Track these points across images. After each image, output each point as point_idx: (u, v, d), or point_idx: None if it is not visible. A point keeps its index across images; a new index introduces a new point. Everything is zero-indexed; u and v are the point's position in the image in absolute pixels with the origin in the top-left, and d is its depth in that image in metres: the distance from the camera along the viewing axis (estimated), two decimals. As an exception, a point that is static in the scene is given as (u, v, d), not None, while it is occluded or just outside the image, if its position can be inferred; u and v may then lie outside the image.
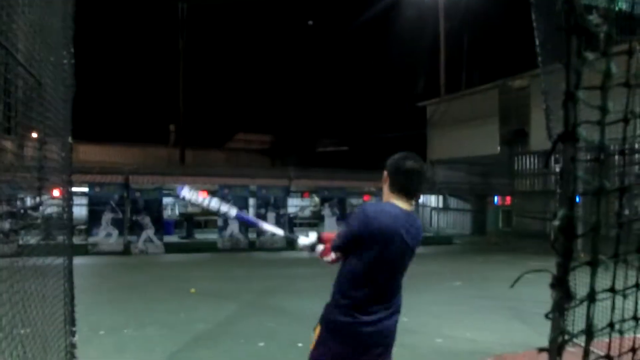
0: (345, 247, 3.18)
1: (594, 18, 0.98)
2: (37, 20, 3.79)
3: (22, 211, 3.87)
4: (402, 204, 3.10)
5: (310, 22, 40.72)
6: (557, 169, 6.66)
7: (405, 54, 35.50)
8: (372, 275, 3.06)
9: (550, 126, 6.54)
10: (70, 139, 5.23)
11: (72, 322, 5.26)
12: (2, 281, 2.96)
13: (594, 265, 1.09)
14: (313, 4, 38.18)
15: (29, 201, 4.03)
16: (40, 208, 4.16)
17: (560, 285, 1.06)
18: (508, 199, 27.56)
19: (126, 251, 20.07)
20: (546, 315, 1.09)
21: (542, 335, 1.23)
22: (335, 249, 3.27)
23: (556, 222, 1.07)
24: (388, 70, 38.97)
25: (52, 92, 4.39)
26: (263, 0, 35.33)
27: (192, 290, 11.96)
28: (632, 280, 1.33)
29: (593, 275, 1.09)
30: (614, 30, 0.99)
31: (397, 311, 3.23)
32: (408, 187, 3.12)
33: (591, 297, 1.09)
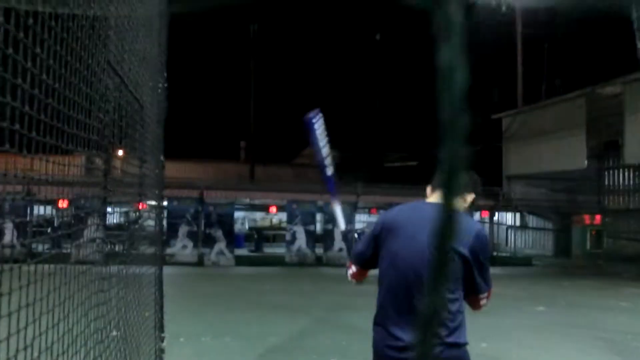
0: (362, 253, 2.98)
1: None
2: (141, 48, 4.12)
3: (126, 223, 4.18)
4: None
5: (378, 36, 40.81)
6: None
7: (479, 63, 34.98)
8: (386, 273, 2.80)
9: None
10: (162, 157, 5.56)
11: (161, 328, 5.54)
12: (112, 287, 3.21)
13: None
14: (381, 18, 38.28)
15: (131, 214, 4.33)
16: (139, 221, 4.46)
17: None
18: (597, 217, 25.42)
19: (200, 262, 20.79)
20: None
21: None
22: (352, 259, 3.07)
23: None
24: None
25: (150, 114, 4.70)
26: (331, 17, 35.76)
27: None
28: None
29: None
30: None
31: (450, 343, 2.62)
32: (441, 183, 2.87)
33: None
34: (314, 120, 3.71)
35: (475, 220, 2.81)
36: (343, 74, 42.26)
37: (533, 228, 29.23)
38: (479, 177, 3.02)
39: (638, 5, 6.52)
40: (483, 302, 2.83)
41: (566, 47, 28.26)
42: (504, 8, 11.01)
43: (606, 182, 25.40)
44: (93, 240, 3.15)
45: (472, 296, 2.79)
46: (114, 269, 3.39)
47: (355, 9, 31.73)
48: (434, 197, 2.85)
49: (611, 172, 25.08)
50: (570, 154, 24.15)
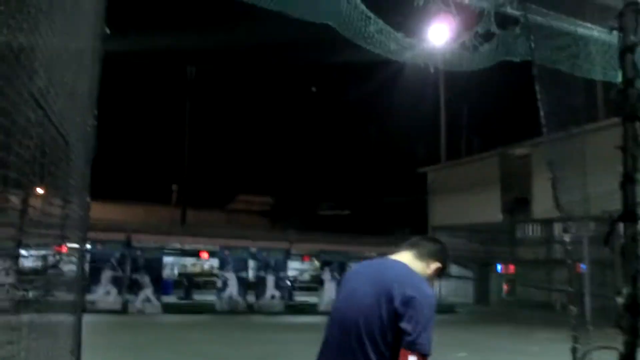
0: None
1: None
2: (70, 83, 3.93)
3: (44, 267, 3.91)
4: (401, 258, 2.73)
5: (314, 89, 41.54)
6: (566, 239, 6.63)
7: (406, 121, 36.00)
8: (327, 325, 2.71)
9: (558, 195, 6.55)
10: (88, 198, 5.30)
11: (78, 383, 5.19)
12: (22, 339, 2.97)
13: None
14: (317, 72, 38.97)
15: (50, 258, 4.06)
16: (59, 265, 4.19)
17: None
18: (511, 267, 27.33)
19: (124, 310, 19.84)
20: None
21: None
22: None
23: (620, 300, 1.11)
24: (389, 136, 39.45)
25: (76, 152, 4.49)
26: (268, 67, 36.09)
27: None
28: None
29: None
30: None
31: None
32: (407, 243, 2.81)
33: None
34: None
35: (425, 285, 2.50)
36: (279, 122, 42.58)
37: (456, 277, 30.55)
38: (448, 251, 2.92)
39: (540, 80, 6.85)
40: None
41: (485, 108, 30.19)
42: (432, 69, 11.46)
43: (518, 235, 27.62)
44: (2, 285, 2.89)
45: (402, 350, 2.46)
46: (26, 317, 3.12)
47: (293, 62, 32.22)
48: (398, 255, 2.79)
49: (522, 225, 27.22)
50: (487, 207, 25.76)
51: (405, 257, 2.74)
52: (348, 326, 2.56)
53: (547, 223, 25.30)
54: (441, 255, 2.83)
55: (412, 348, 2.44)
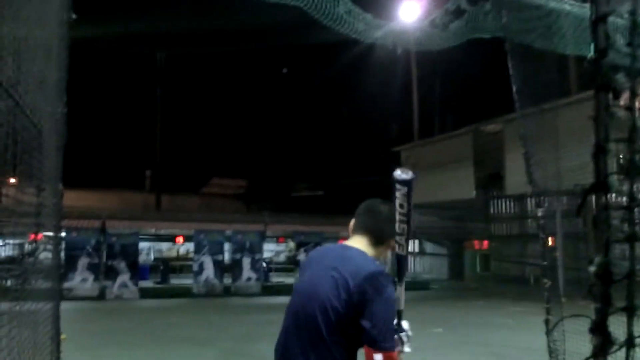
0: None
1: (620, 77, 1.11)
2: (39, 71, 3.88)
3: (20, 256, 3.89)
4: (356, 244, 2.62)
5: (285, 70, 41.39)
6: (539, 213, 6.70)
7: (379, 100, 36.10)
8: (286, 310, 2.65)
9: (531, 170, 6.59)
10: (61, 186, 5.26)
11: (58, 371, 5.19)
12: (1, 326, 2.98)
13: (630, 311, 1.17)
14: (287, 53, 38.75)
15: (26, 246, 4.04)
16: (36, 253, 4.17)
17: (600, 331, 1.13)
18: (485, 243, 27.71)
19: (101, 296, 19.76)
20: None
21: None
22: None
23: (592, 268, 1.15)
24: (362, 116, 39.50)
25: (48, 140, 4.45)
26: (238, 50, 35.79)
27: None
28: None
29: (630, 320, 1.17)
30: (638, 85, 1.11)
31: None
32: (372, 227, 2.64)
33: (630, 343, 1.17)
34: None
35: (385, 277, 2.38)
36: (251, 104, 42.35)
37: (430, 254, 31.23)
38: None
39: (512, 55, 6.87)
40: None
41: (456, 86, 30.33)
42: (399, 50, 11.52)
43: (492, 211, 28.06)
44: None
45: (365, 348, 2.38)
46: (4, 306, 3.12)
47: (263, 44, 31.99)
48: (353, 240, 2.66)
49: (496, 201, 27.72)
50: (461, 184, 26.18)
51: (362, 243, 2.61)
52: (306, 319, 2.48)
53: (520, 198, 25.73)
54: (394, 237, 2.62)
55: (377, 346, 2.32)
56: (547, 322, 6.10)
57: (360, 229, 2.67)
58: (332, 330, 2.39)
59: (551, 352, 6.14)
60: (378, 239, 2.62)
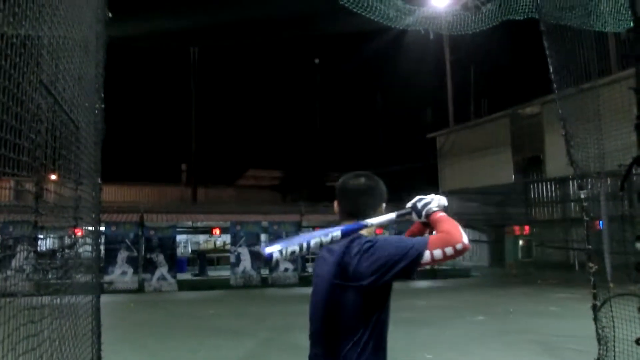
0: None
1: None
2: (77, 69, 3.97)
3: (60, 250, 3.99)
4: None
5: (317, 60, 41.35)
6: (582, 196, 6.50)
7: (413, 86, 35.78)
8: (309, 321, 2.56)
9: (572, 152, 6.40)
10: (99, 180, 5.38)
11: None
12: (43, 318, 3.05)
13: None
14: (320, 42, 38.67)
15: (66, 240, 4.15)
16: (75, 247, 4.28)
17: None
18: (526, 228, 27.10)
19: (140, 289, 20.16)
20: (637, 341, 1.15)
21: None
22: None
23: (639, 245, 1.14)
24: (396, 103, 39.24)
25: (86, 135, 4.54)
26: (271, 42, 35.88)
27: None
28: None
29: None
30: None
31: None
32: (351, 209, 2.51)
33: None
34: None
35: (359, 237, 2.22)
36: (284, 96, 42.49)
37: (470, 240, 30.07)
38: (382, 186, 2.60)
39: (549, 36, 6.71)
40: (441, 233, 2.34)
41: (491, 70, 29.80)
42: (431, 35, 11.38)
43: (532, 195, 27.31)
44: (22, 268, 2.97)
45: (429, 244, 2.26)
46: (46, 298, 3.22)
47: (296, 35, 32.01)
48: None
49: (536, 185, 26.92)
50: (499, 169, 25.68)
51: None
52: (320, 322, 2.44)
53: (561, 181, 24.93)
54: (381, 202, 2.56)
55: (424, 245, 2.23)
56: (594, 307, 5.95)
57: (344, 214, 2.54)
58: (348, 323, 2.31)
59: (600, 338, 6.00)
60: (365, 217, 2.42)
